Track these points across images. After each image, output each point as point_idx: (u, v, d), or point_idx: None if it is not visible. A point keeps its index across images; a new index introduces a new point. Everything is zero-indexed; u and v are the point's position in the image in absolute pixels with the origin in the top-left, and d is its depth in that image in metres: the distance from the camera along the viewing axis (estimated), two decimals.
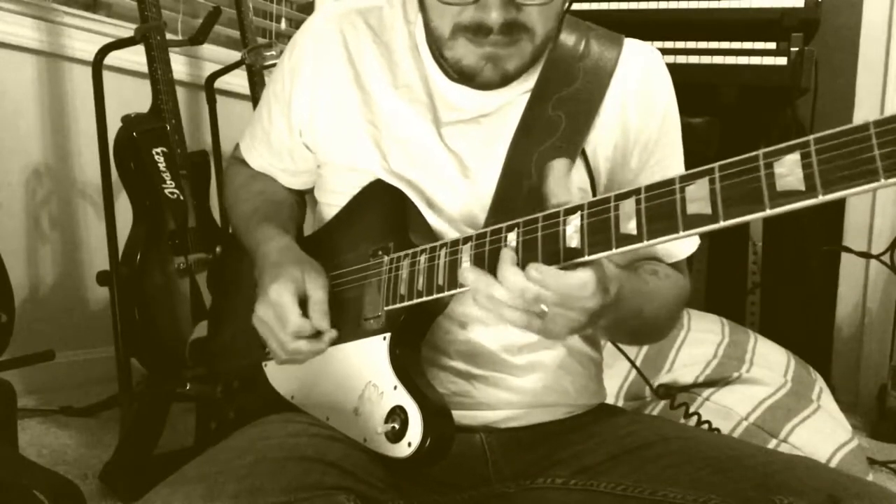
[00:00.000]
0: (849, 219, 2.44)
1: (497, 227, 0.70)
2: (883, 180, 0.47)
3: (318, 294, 0.83)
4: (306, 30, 0.98)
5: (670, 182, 0.58)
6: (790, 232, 2.35)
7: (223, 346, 1.06)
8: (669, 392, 1.56)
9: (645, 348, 1.63)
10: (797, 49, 1.98)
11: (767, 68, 2.02)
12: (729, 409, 1.52)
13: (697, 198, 0.56)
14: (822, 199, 0.50)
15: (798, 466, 0.75)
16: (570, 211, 0.64)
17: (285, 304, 0.81)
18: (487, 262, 0.69)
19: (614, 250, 0.61)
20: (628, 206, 0.60)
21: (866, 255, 2.26)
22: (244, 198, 1.03)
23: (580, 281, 0.64)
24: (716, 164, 0.56)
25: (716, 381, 1.60)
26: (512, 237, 0.68)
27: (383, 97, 0.91)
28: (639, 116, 0.91)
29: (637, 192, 0.60)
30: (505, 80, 0.86)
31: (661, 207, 0.58)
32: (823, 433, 1.51)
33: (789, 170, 0.51)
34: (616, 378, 1.60)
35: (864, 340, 2.44)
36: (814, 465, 0.78)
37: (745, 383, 1.58)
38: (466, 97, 0.89)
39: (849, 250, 2.27)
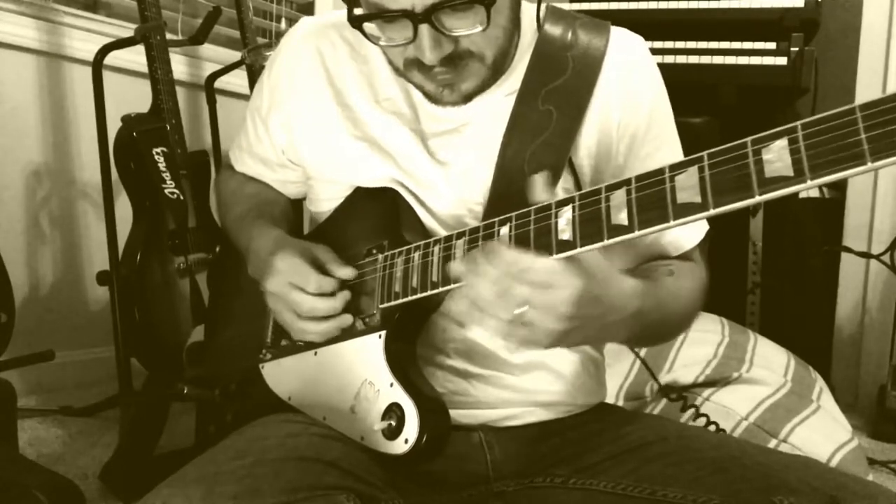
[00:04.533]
0: (849, 219, 2.42)
1: (490, 222, 0.71)
2: (870, 163, 0.48)
3: (327, 255, 0.83)
4: (283, 49, 0.97)
5: (660, 172, 0.59)
6: (790, 232, 2.34)
7: (221, 348, 1.06)
8: (673, 390, 1.56)
9: (644, 348, 1.63)
10: (797, 49, 1.98)
11: (767, 68, 2.02)
12: (729, 409, 1.52)
13: (687, 186, 0.56)
14: (810, 183, 0.50)
15: (798, 466, 0.75)
16: (562, 203, 0.65)
17: (297, 265, 0.81)
18: None
19: (606, 241, 0.61)
20: (619, 196, 0.60)
21: (866, 255, 2.26)
22: (236, 202, 1.03)
23: (551, 267, 0.63)
24: (705, 153, 0.56)
25: (716, 381, 1.60)
26: (504, 231, 0.68)
27: (366, 112, 0.91)
28: (622, 111, 0.89)
29: (627, 182, 0.60)
30: (468, 99, 0.85)
31: (652, 197, 0.58)
32: (823, 433, 1.51)
33: (777, 156, 0.51)
34: (616, 378, 1.60)
35: (864, 340, 2.44)
36: (814, 465, 0.77)
37: (745, 383, 1.58)
38: (448, 108, 0.87)
39: (849, 250, 2.27)
